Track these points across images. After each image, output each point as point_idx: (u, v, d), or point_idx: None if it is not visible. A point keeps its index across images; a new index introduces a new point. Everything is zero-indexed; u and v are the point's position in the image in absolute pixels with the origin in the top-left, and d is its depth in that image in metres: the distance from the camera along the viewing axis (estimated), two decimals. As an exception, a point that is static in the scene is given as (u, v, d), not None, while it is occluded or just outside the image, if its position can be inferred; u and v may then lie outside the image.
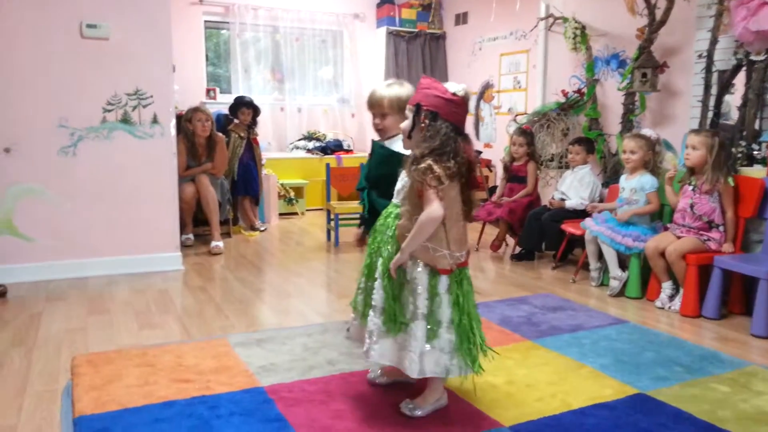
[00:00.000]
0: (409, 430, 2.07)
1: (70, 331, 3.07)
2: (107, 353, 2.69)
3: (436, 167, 1.96)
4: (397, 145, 2.33)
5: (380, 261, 2.09)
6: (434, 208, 1.96)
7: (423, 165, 1.97)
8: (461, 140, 2.04)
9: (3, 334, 3.02)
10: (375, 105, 2.57)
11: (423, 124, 2.03)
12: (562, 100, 5.21)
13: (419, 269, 2.04)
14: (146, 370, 2.50)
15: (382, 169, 2.54)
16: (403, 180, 2.12)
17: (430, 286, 2.04)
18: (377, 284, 2.08)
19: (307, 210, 6.89)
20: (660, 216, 4.01)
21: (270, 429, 2.05)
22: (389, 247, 2.08)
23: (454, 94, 2.03)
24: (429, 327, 2.04)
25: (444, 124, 2.01)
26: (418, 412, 2.15)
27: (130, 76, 4.05)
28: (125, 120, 4.07)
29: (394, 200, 2.16)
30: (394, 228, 2.09)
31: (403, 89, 2.52)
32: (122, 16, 3.98)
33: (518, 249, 4.87)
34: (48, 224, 3.94)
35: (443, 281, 2.05)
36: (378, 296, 2.07)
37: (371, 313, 2.09)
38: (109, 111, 4.02)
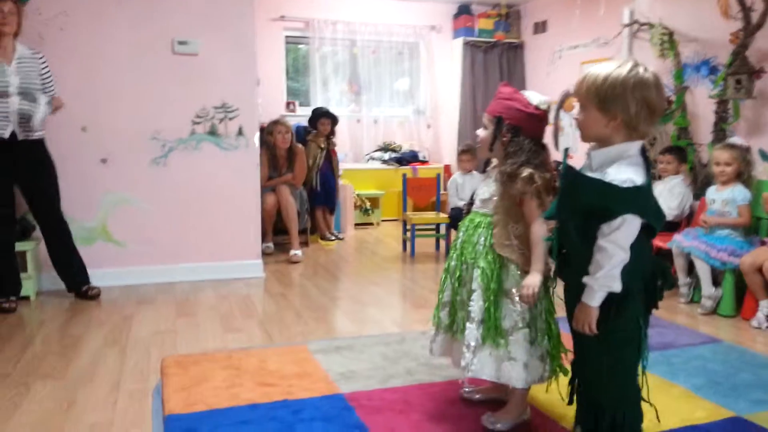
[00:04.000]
0: (490, 443, 2.03)
1: (159, 333, 3.21)
2: (194, 355, 2.79)
3: (537, 176, 1.95)
4: (621, 169, 1.63)
5: (478, 272, 2.05)
6: (541, 220, 1.96)
7: (525, 174, 1.96)
8: (544, 154, 2.01)
9: (98, 334, 3.19)
10: (574, 89, 1.79)
11: (505, 139, 2.01)
12: (648, 108, 5.01)
13: (518, 275, 2.01)
14: (232, 372, 2.58)
15: (568, 199, 1.78)
16: (489, 189, 2.10)
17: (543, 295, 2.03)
18: (476, 295, 2.04)
19: (382, 220, 6.93)
20: (756, 230, 3.79)
21: (351, 435, 2.06)
22: (488, 257, 2.04)
23: (537, 108, 2.00)
24: (533, 334, 2.02)
25: (526, 139, 1.99)
26: (500, 426, 2.11)
27: (217, 90, 4.22)
28: (212, 132, 4.24)
29: (480, 209, 2.14)
30: (488, 239, 2.06)
31: (616, 70, 1.65)
32: (211, 33, 4.16)
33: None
34: (139, 231, 4.15)
35: (549, 290, 2.04)
36: (476, 307, 2.03)
37: (469, 325, 2.04)
38: (198, 123, 4.21)
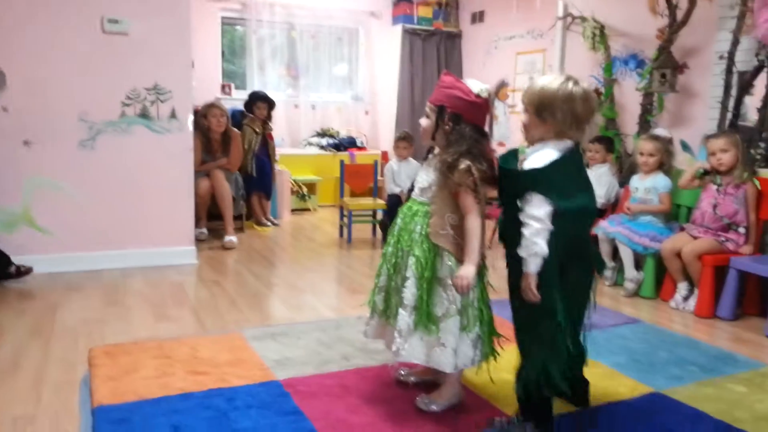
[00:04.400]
0: (424, 425, 2.08)
1: (86, 323, 3.10)
2: (124, 345, 2.72)
3: (474, 169, 1.99)
4: (535, 157, 1.94)
5: (413, 260, 2.07)
6: (477, 211, 2.02)
7: (463, 166, 1.99)
8: (485, 142, 2.05)
9: (21, 324, 3.06)
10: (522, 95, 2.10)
11: (447, 127, 2.04)
12: (578, 99, 5.18)
13: (451, 265, 2.05)
14: (163, 362, 2.53)
15: (502, 188, 2.07)
16: (429, 177, 2.12)
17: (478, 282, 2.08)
18: (409, 283, 2.07)
19: (319, 206, 6.91)
20: (676, 217, 4.00)
21: (287, 422, 2.06)
22: (423, 245, 2.07)
23: (477, 96, 2.03)
24: (465, 321, 2.07)
25: (467, 127, 2.03)
26: (434, 407, 2.16)
27: (149, 71, 4.07)
28: (144, 114, 4.10)
29: (418, 197, 2.16)
30: (425, 227, 2.08)
31: (550, 83, 1.93)
32: (143, 12, 4.00)
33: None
34: (65, 216, 3.98)
35: (474, 276, 2.06)
36: (410, 294, 2.06)
37: (401, 311, 2.07)
38: (128, 105, 4.05)
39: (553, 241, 1.87)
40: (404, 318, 2.07)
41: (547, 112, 1.92)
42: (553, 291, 1.90)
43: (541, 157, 1.92)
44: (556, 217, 1.87)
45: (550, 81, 1.94)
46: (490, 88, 2.09)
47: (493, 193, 2.13)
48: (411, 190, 2.27)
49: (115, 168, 4.07)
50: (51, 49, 3.84)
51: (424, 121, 2.14)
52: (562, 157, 1.91)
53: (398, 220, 2.21)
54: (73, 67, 3.90)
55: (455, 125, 2.04)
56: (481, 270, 2.14)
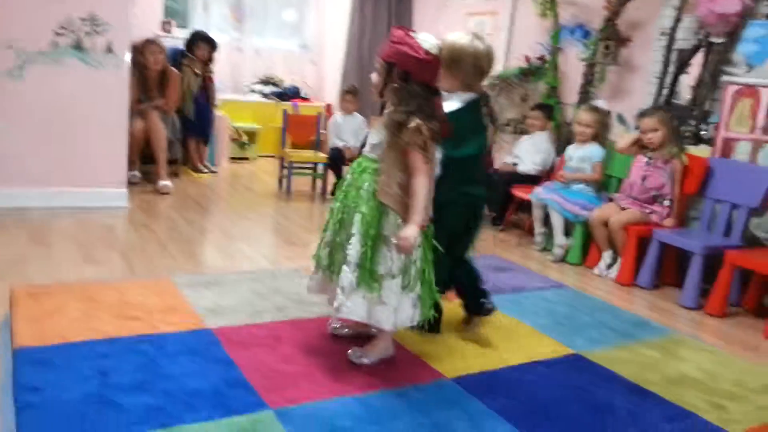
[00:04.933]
0: (356, 377, 2.12)
1: (8, 262, 2.97)
2: (48, 286, 2.63)
3: (424, 129, 1.98)
4: (447, 105, 2.19)
5: (359, 216, 2.06)
6: (425, 172, 2.03)
7: (412, 125, 1.98)
8: (435, 99, 2.04)
9: (-64, 259, 2.90)
10: (457, 61, 2.30)
11: (395, 85, 2.02)
12: (524, 65, 5.23)
13: (398, 224, 2.05)
14: (89, 305, 2.46)
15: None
16: (380, 135, 2.10)
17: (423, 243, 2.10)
18: (354, 240, 2.06)
19: (259, 156, 6.78)
20: (606, 187, 4.15)
21: (217, 369, 2.06)
22: (370, 203, 2.06)
23: (427, 53, 2.00)
24: (406, 281, 2.08)
25: (416, 85, 2.01)
26: (365, 360, 2.20)
27: (85, 1, 3.82)
28: (77, 47, 3.86)
29: (368, 153, 2.14)
30: (371, 184, 2.07)
31: (458, 41, 2.23)
32: (77, -66, 3.74)
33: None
34: (-13, 149, 3.76)
35: (418, 236, 2.07)
36: (354, 251, 2.05)
37: (345, 268, 2.06)
38: (61, 35, 3.80)
39: (441, 184, 2.16)
40: (347, 275, 2.06)
41: (457, 66, 2.19)
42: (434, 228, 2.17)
43: (445, 107, 2.12)
44: (445, 164, 2.17)
45: (460, 37, 2.21)
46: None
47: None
48: (363, 144, 2.26)
49: (44, 101, 3.84)
50: (-26, -33, 3.55)
51: (374, 77, 2.12)
52: (462, 107, 2.22)
53: (347, 176, 2.19)
54: (-1, -12, 3.62)
55: (404, 83, 2.02)
56: (427, 230, 2.15)
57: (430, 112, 2.03)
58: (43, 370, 1.94)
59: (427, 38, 2.03)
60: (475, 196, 2.39)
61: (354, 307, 2.07)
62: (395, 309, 2.09)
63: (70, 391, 1.84)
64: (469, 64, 2.21)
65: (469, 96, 2.25)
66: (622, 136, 4.03)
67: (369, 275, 2.04)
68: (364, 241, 2.05)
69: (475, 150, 2.31)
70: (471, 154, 2.30)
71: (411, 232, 2.01)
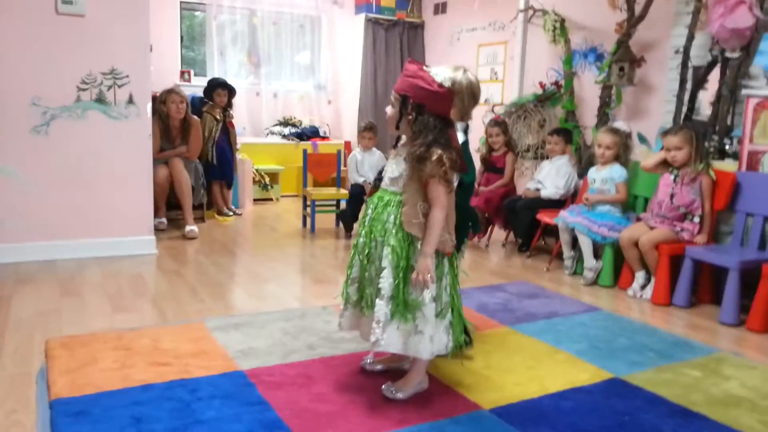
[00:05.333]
0: (390, 412, 2.08)
1: (42, 314, 3.00)
2: (81, 336, 2.64)
3: (445, 159, 2.00)
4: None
5: (388, 250, 2.07)
6: (443, 204, 2.04)
7: (435, 156, 2.00)
8: (450, 130, 2.06)
9: (-28, 316, 2.94)
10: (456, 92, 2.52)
11: (410, 117, 2.04)
12: (540, 91, 5.25)
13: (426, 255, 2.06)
14: (122, 353, 2.47)
15: None
16: (399, 168, 2.11)
17: (437, 269, 2.09)
18: (386, 272, 2.06)
19: (282, 196, 6.84)
20: (633, 207, 4.10)
21: (252, 411, 2.04)
22: (398, 235, 2.06)
23: (440, 86, 2.03)
24: (439, 308, 2.09)
25: (431, 117, 2.03)
26: (400, 395, 2.17)
27: (105, 55, 3.95)
28: (100, 100, 3.97)
29: (389, 187, 2.15)
30: (398, 217, 2.08)
31: (458, 74, 2.29)
32: (98, -7, 3.88)
33: (502, 239, 4.92)
34: (17, 205, 3.84)
35: (445, 264, 2.11)
36: (387, 284, 2.05)
37: (378, 301, 2.06)
38: (84, 90, 3.92)
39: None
40: (381, 308, 2.06)
41: (457, 98, 2.22)
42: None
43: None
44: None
45: (454, 72, 2.26)
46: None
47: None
48: (378, 180, 2.28)
49: (70, 155, 3.94)
50: (1, 31, 3.68)
51: (389, 110, 2.14)
52: (466, 139, 2.36)
53: (369, 211, 2.20)
54: (26, 49, 3.75)
55: (418, 115, 2.04)
56: (452, 258, 2.16)
57: (446, 143, 2.05)
58: (80, 421, 1.94)
59: (440, 71, 2.07)
60: (474, 219, 2.58)
61: (390, 340, 2.07)
62: (431, 337, 2.08)
63: (107, 441, 1.83)
64: (466, 95, 2.30)
65: (464, 125, 2.38)
66: (647, 156, 3.99)
67: (403, 306, 2.04)
68: (395, 273, 2.05)
69: (474, 175, 2.52)
70: (473, 179, 2.51)
71: (425, 264, 2.03)
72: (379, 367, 2.40)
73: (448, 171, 2.01)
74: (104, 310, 3.11)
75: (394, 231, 2.07)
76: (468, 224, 2.48)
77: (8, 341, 2.66)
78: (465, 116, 2.37)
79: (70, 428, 1.89)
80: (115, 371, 2.30)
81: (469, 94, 2.31)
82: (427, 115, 2.04)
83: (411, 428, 1.98)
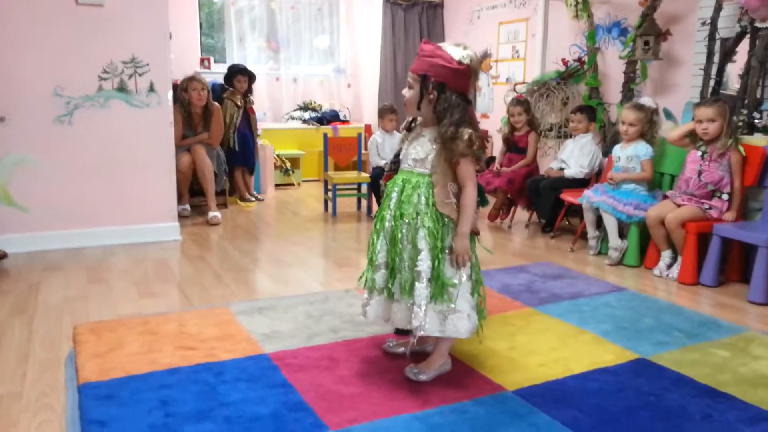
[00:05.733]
0: (414, 394, 2.08)
1: (69, 300, 3.06)
2: (109, 322, 2.69)
3: (474, 137, 2.00)
4: None
5: (425, 232, 2.04)
6: (474, 182, 2.04)
7: (465, 136, 1.99)
8: (470, 108, 2.04)
9: (3, 303, 3.01)
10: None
11: (432, 96, 2.01)
12: (562, 69, 5.16)
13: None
14: (149, 338, 2.50)
15: None
16: (424, 149, 2.09)
17: (471, 248, 2.11)
18: (423, 255, 2.03)
19: (303, 181, 6.86)
20: (659, 185, 4.02)
21: (276, 394, 2.06)
22: (432, 216, 2.05)
23: (459, 63, 2.00)
24: (473, 287, 2.11)
25: (453, 94, 2.01)
26: (423, 377, 2.17)
27: (125, 44, 3.97)
28: (121, 88, 4.01)
29: (415, 169, 2.11)
30: (430, 198, 2.06)
31: (469, 52, 2.05)
32: (116, -18, 3.89)
33: (525, 219, 4.88)
34: (43, 194, 3.90)
35: (475, 243, 2.13)
36: (426, 267, 2.03)
37: (418, 284, 2.04)
38: (105, 79, 3.96)
39: None
40: (422, 291, 2.04)
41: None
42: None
43: None
44: None
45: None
46: (472, 54, 2.05)
47: (479, 164, 2.17)
48: (394, 162, 2.26)
49: (93, 144, 3.99)
50: (23, 23, 3.72)
51: (407, 92, 2.11)
52: None
53: (393, 194, 2.15)
54: (47, 40, 3.79)
55: (440, 94, 2.02)
56: (473, 237, 2.16)
57: (471, 121, 2.03)
58: (108, 404, 1.97)
59: (457, 49, 2.02)
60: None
61: (431, 323, 2.06)
62: (468, 315, 2.08)
63: (135, 424, 1.86)
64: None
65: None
66: (671, 129, 3.89)
67: (443, 287, 2.04)
68: (433, 254, 2.04)
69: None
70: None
71: (463, 244, 2.04)
72: (401, 349, 2.40)
73: (477, 149, 2.02)
74: (131, 295, 3.16)
75: (428, 212, 2.05)
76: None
77: (38, 327, 2.72)
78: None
79: (98, 411, 1.93)
80: (142, 355, 2.34)
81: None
82: (449, 92, 2.01)
83: (434, 410, 1.98)
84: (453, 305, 2.05)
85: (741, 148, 3.51)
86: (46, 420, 1.96)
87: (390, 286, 2.13)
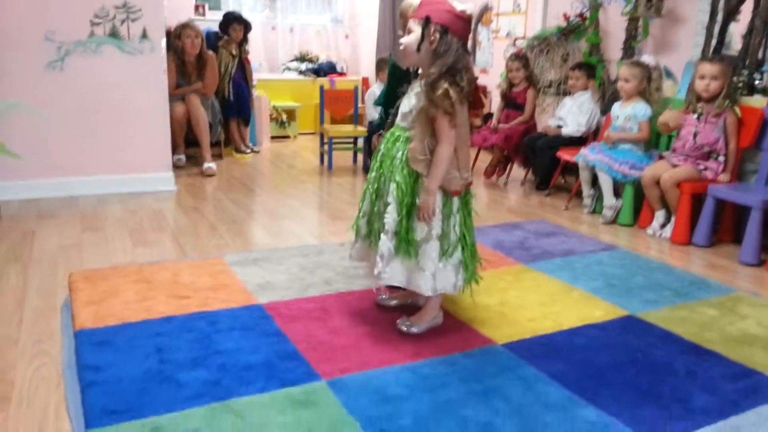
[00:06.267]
0: (405, 346, 2.12)
1: (64, 248, 3.07)
2: (103, 270, 2.70)
3: (452, 91, 1.95)
4: None
5: (394, 185, 2.06)
6: (451, 138, 1.99)
7: (440, 90, 1.95)
8: (468, 57, 2.01)
9: (-3, 249, 3.02)
10: (402, 15, 2.41)
11: (433, 38, 1.98)
12: (563, 24, 5.07)
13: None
14: (144, 286, 2.52)
15: (393, 84, 2.44)
16: (410, 102, 2.08)
17: (445, 207, 2.08)
18: (390, 208, 2.06)
19: (299, 133, 6.80)
20: (656, 145, 4.01)
21: (269, 342, 2.09)
22: (403, 171, 2.06)
23: (462, 12, 1.99)
24: (444, 246, 2.08)
25: (454, 39, 1.97)
26: (414, 329, 2.20)
27: (117, -13, 3.88)
28: (114, 34, 3.92)
29: (401, 122, 2.13)
30: (405, 152, 2.06)
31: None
32: None
33: (522, 177, 4.87)
34: (37, 141, 3.86)
35: (455, 202, 2.09)
36: (391, 219, 2.06)
37: (383, 236, 2.08)
38: (97, 24, 3.87)
39: None
40: (385, 242, 2.08)
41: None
42: None
43: None
44: None
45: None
46: (472, 9, 2.03)
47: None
48: (394, 116, 2.23)
49: (86, 91, 3.93)
50: (11, -38, 3.62)
51: (406, 38, 2.07)
52: None
53: (381, 147, 2.19)
54: (37, -18, 3.68)
55: (442, 37, 1.99)
56: (466, 196, 2.15)
57: (464, 69, 1.99)
58: (104, 350, 2.00)
59: (459, 3, 2.01)
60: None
61: (393, 273, 2.10)
62: (433, 274, 2.08)
63: (129, 369, 1.89)
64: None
65: None
66: (665, 113, 3.79)
67: (406, 242, 2.06)
68: (399, 209, 2.06)
69: None
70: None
71: (425, 199, 2.02)
72: (393, 302, 2.43)
73: (455, 104, 1.96)
74: (125, 244, 3.17)
75: (400, 167, 2.07)
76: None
77: (33, 275, 2.73)
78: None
79: (94, 357, 1.95)
80: (136, 303, 2.36)
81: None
82: (450, 36, 1.98)
83: (424, 361, 2.02)
84: (416, 261, 2.07)
85: (737, 110, 3.48)
86: (42, 364, 1.99)
87: (368, 233, 2.21)
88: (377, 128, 2.87)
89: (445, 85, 1.95)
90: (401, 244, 2.06)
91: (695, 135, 3.54)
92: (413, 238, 2.06)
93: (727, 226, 3.53)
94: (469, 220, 2.17)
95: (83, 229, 3.37)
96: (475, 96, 2.08)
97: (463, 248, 2.14)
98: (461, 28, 2.00)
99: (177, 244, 3.21)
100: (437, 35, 1.98)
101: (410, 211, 2.06)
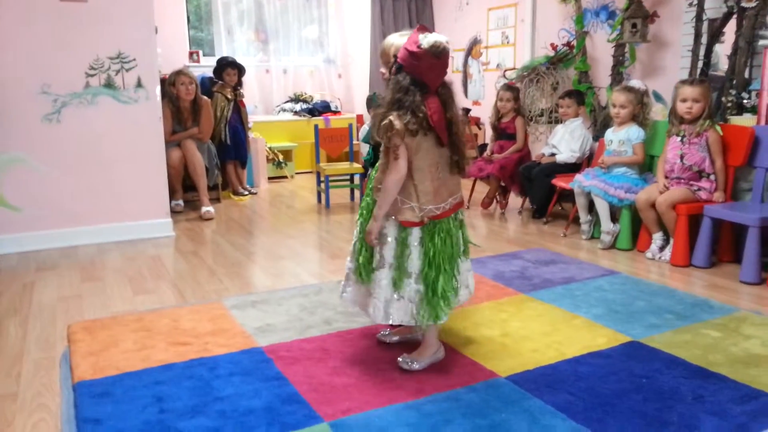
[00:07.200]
0: (407, 383, 2.09)
1: (63, 300, 3.06)
2: (103, 320, 2.69)
3: (396, 123, 1.97)
4: None
5: (364, 216, 2.19)
6: (396, 168, 2.01)
7: (385, 122, 1.99)
8: (421, 95, 1.99)
9: (-4, 304, 3.01)
10: (382, 54, 2.38)
11: (386, 75, 2.04)
12: (552, 53, 5.15)
13: (389, 220, 2.10)
14: (143, 334, 2.51)
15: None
16: None
17: (400, 237, 2.09)
18: (356, 231, 2.23)
19: (296, 173, 6.85)
20: (650, 168, 4.03)
21: (270, 387, 2.07)
22: (368, 199, 2.19)
23: (419, 46, 1.96)
24: (395, 277, 2.09)
25: (405, 77, 2.00)
26: (416, 366, 2.18)
27: (111, 39, 3.95)
28: (109, 85, 3.98)
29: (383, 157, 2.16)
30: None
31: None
32: (99, -23, 3.86)
33: (518, 206, 4.89)
34: (35, 193, 3.89)
35: (414, 233, 2.07)
36: (356, 249, 2.19)
37: (348, 258, 2.24)
38: (92, 76, 3.94)
39: None
40: (347, 264, 2.24)
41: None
42: None
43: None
44: None
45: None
46: (444, 42, 2.00)
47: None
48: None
49: (82, 141, 3.97)
50: (6, 21, 3.69)
51: (382, 72, 2.18)
52: None
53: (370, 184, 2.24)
54: (31, 37, 3.76)
55: (395, 74, 2.03)
56: (436, 231, 2.08)
57: (411, 105, 1.98)
58: (103, 402, 1.98)
59: (435, 37, 1.97)
60: None
61: (353, 295, 2.22)
62: (386, 302, 2.11)
63: (129, 421, 1.87)
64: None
65: None
66: (661, 116, 3.86)
67: (362, 268, 2.15)
68: (360, 236, 2.17)
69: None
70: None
71: (371, 226, 2.09)
72: (395, 338, 2.41)
73: (398, 136, 1.97)
74: (125, 293, 3.16)
75: (368, 198, 2.18)
76: None
77: (32, 327, 2.72)
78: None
79: (93, 409, 1.93)
80: (136, 352, 2.34)
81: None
82: (402, 74, 2.00)
83: (427, 398, 1.99)
84: (369, 288, 2.15)
85: (718, 128, 3.51)
86: (41, 419, 1.97)
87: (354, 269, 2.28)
88: (369, 164, 2.91)
89: (390, 117, 1.99)
90: (357, 269, 2.16)
91: (682, 157, 3.56)
92: (366, 261, 2.14)
93: (726, 245, 3.53)
94: (438, 254, 2.06)
95: (82, 280, 3.37)
96: (451, 130, 2.06)
97: (427, 283, 2.07)
98: (413, 64, 1.98)
99: (176, 290, 3.20)
100: (391, 72, 2.04)
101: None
